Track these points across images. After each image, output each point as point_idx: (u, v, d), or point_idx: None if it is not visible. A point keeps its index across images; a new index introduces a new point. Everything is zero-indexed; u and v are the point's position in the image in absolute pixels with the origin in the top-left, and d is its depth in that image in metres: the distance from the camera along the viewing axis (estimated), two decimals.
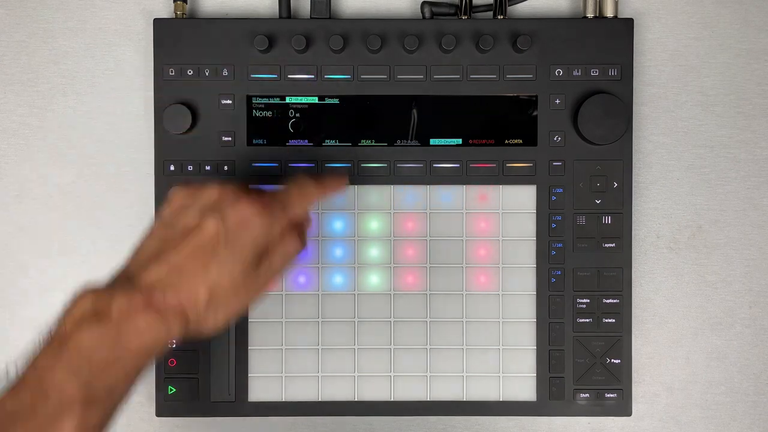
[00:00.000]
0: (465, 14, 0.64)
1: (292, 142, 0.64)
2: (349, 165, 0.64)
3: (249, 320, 0.64)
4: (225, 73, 0.63)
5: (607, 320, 0.64)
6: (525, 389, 0.64)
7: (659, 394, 0.67)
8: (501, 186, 0.64)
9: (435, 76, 0.63)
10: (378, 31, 0.63)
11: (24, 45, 0.66)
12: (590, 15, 0.64)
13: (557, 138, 0.64)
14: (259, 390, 0.64)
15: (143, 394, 0.66)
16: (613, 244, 0.64)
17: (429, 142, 0.64)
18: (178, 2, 0.64)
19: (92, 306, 0.45)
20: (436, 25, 0.64)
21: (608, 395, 0.64)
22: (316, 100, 0.64)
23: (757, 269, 0.67)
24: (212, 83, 0.64)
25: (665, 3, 0.67)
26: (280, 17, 0.64)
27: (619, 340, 0.64)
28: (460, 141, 0.64)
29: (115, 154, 0.66)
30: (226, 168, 0.64)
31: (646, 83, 0.67)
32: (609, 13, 0.64)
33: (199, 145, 0.64)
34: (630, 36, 0.64)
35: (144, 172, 0.66)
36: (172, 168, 0.64)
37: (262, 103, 0.64)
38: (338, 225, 0.64)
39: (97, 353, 0.44)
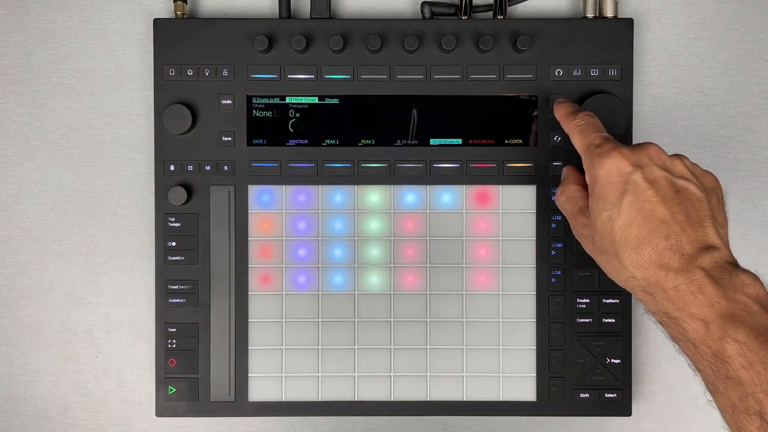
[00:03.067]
0: (465, 14, 0.64)
1: (292, 142, 0.64)
2: (349, 165, 0.64)
3: (249, 320, 0.64)
4: (225, 73, 0.63)
5: (607, 320, 0.64)
6: (525, 389, 0.64)
7: (659, 394, 0.67)
8: (501, 186, 0.64)
9: (435, 76, 0.63)
10: (378, 31, 0.63)
11: (24, 45, 0.66)
12: (590, 15, 0.64)
13: (557, 138, 0.64)
14: (258, 390, 0.64)
15: (143, 394, 0.66)
16: None
17: (429, 142, 0.64)
18: (178, 2, 0.64)
19: None
20: (436, 25, 0.64)
21: (608, 395, 0.64)
22: (316, 100, 0.64)
23: (757, 269, 0.67)
24: (212, 83, 0.64)
25: (665, 3, 0.67)
26: (280, 17, 0.64)
27: (619, 340, 0.64)
28: (460, 141, 0.64)
29: (115, 154, 0.67)
30: (226, 168, 0.64)
31: (646, 83, 0.67)
32: (609, 13, 0.64)
33: (199, 145, 0.64)
34: (630, 36, 0.64)
35: (144, 172, 0.66)
36: (172, 168, 0.64)
37: (262, 103, 0.64)
38: (338, 225, 0.64)
39: None
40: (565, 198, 0.57)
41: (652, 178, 0.51)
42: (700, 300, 0.47)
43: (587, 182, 0.54)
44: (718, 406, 0.48)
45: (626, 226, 0.50)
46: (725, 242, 0.51)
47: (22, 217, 0.67)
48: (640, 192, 0.50)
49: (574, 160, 0.63)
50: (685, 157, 0.53)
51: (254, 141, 0.64)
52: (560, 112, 0.59)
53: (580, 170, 0.57)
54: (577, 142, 0.56)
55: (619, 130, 0.62)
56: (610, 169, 0.51)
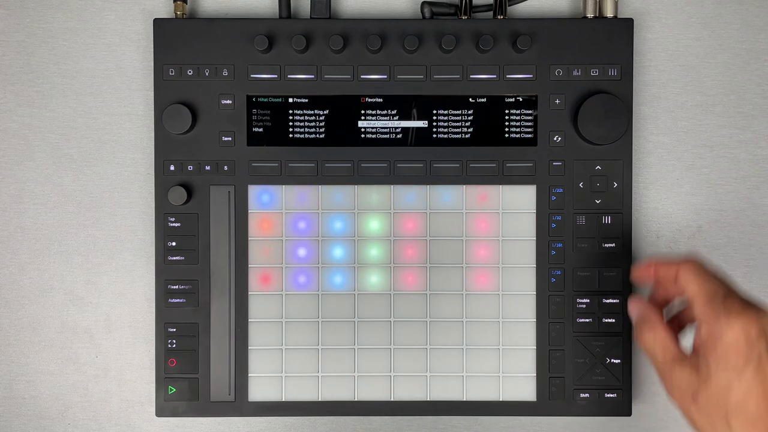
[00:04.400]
0: (465, 14, 0.64)
1: (292, 142, 0.64)
2: (349, 165, 0.64)
3: (249, 320, 0.64)
4: (225, 73, 0.63)
5: (607, 320, 0.64)
6: (525, 389, 0.64)
7: (659, 394, 0.67)
8: (501, 186, 0.64)
9: (435, 76, 0.63)
10: (378, 31, 0.63)
11: (24, 45, 0.66)
12: (590, 15, 0.64)
13: (557, 138, 0.64)
14: (259, 390, 0.64)
15: (143, 394, 0.66)
16: (613, 244, 0.64)
17: (429, 142, 0.64)
18: (178, 2, 0.64)
19: None
20: (436, 25, 0.64)
21: (608, 395, 0.64)
22: (316, 100, 0.64)
23: (757, 269, 0.67)
24: (212, 83, 0.64)
25: (665, 3, 0.67)
26: (280, 17, 0.64)
27: (619, 340, 0.64)
28: (459, 141, 0.64)
29: (115, 154, 0.67)
30: (226, 168, 0.64)
31: (646, 83, 0.67)
32: (609, 13, 0.64)
33: (199, 145, 0.64)
34: (630, 36, 0.64)
35: (144, 172, 0.66)
36: (172, 168, 0.64)
37: (262, 103, 0.64)
38: (338, 225, 0.64)
39: None
40: (655, 340, 0.54)
41: None
42: None
43: (701, 328, 0.51)
44: None
45: (745, 398, 0.48)
46: None
47: (22, 217, 0.67)
48: (762, 367, 0.48)
49: (574, 159, 0.64)
50: None
51: (254, 141, 0.64)
52: (660, 264, 0.56)
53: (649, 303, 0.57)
54: (694, 287, 0.52)
55: (619, 130, 0.62)
56: (737, 334, 0.48)
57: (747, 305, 0.49)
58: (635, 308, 0.57)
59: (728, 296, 0.50)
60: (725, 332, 0.49)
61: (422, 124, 0.64)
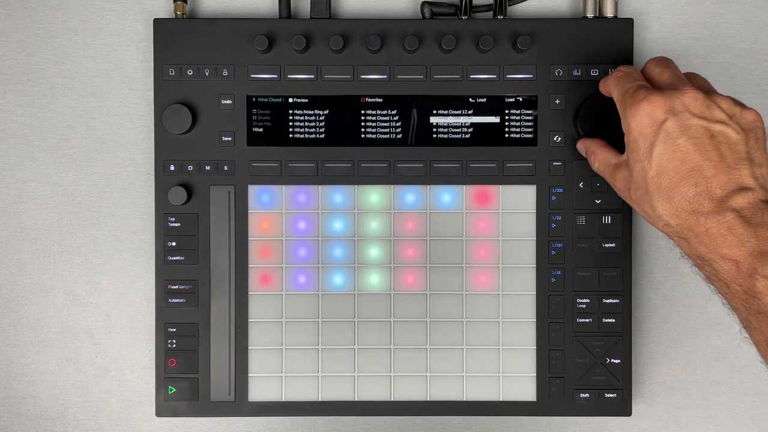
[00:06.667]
0: (465, 14, 0.64)
1: (292, 142, 0.64)
2: (349, 165, 0.64)
3: (249, 320, 0.64)
4: (225, 73, 0.63)
5: (607, 320, 0.64)
6: (525, 389, 0.64)
7: (659, 394, 0.67)
8: (501, 186, 0.64)
9: (435, 76, 0.63)
10: (378, 31, 0.63)
11: (24, 45, 0.66)
12: (590, 15, 0.64)
13: (557, 138, 0.64)
14: (258, 390, 0.64)
15: (143, 394, 0.66)
16: (613, 244, 0.64)
17: (429, 142, 0.64)
18: (178, 2, 0.64)
19: None
20: (436, 25, 0.64)
21: (608, 395, 0.64)
22: (315, 100, 0.64)
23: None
24: (212, 83, 0.64)
25: (665, 3, 0.67)
26: (280, 17, 0.64)
27: (619, 340, 0.64)
28: (459, 141, 0.64)
29: (115, 154, 0.67)
30: (226, 168, 0.64)
31: None
32: (609, 13, 0.64)
33: (199, 145, 0.64)
34: (630, 36, 0.64)
35: (144, 172, 0.66)
36: (172, 168, 0.64)
37: (262, 103, 0.64)
38: (338, 225, 0.64)
39: None
40: (598, 164, 0.58)
41: (685, 126, 0.50)
42: (730, 241, 0.48)
43: (624, 131, 0.53)
44: (753, 341, 0.50)
45: (657, 177, 0.50)
46: (761, 182, 0.50)
47: (22, 217, 0.67)
48: (670, 141, 0.50)
49: (574, 159, 0.64)
50: (727, 97, 0.52)
51: (254, 141, 0.64)
52: (602, 80, 0.59)
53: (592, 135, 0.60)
54: (614, 94, 0.55)
55: (621, 129, 0.62)
56: (641, 119, 0.51)
57: (654, 91, 0.52)
58: (580, 145, 0.61)
59: (639, 89, 0.53)
60: (631, 122, 0.52)
61: (422, 124, 0.64)
